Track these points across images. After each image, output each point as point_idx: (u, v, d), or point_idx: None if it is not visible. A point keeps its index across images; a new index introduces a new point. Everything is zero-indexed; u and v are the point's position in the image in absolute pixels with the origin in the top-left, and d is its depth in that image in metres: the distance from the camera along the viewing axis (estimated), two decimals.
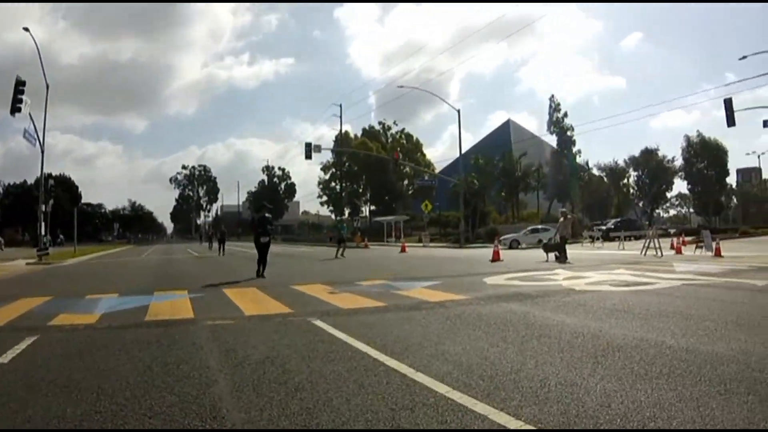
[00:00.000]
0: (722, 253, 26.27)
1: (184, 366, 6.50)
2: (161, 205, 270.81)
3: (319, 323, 9.37)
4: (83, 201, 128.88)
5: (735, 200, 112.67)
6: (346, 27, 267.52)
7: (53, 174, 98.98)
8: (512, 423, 4.45)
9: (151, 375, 6.15)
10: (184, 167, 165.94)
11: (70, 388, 5.68)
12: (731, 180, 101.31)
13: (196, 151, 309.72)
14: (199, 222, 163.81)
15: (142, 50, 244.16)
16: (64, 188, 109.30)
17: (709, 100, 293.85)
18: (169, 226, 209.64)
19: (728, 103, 41.74)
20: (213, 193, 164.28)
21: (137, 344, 7.93)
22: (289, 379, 5.83)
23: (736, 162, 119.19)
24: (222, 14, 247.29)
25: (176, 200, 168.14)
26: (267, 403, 5.04)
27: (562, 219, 28.11)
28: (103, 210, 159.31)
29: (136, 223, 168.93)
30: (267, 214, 21.40)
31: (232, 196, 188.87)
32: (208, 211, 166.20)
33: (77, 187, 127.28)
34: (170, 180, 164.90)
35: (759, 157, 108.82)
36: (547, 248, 27.59)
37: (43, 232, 38.32)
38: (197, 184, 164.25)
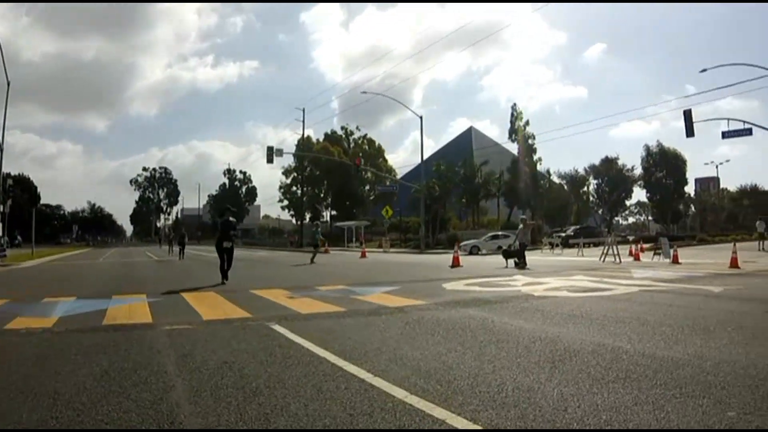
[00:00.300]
0: (680, 260, 26.71)
1: (141, 371, 6.44)
2: (121, 207, 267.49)
3: (277, 328, 9.35)
4: (42, 202, 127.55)
5: (693, 208, 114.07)
6: (311, 31, 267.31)
7: (12, 174, 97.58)
8: (470, 427, 4.49)
9: (108, 380, 6.09)
10: (144, 169, 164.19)
11: (26, 393, 5.61)
12: (689, 189, 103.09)
13: (158, 153, 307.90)
14: (159, 225, 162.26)
15: (105, 49, 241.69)
16: (22, 188, 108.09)
17: (669, 111, 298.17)
18: (129, 229, 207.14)
19: (687, 114, 42.38)
20: (173, 196, 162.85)
21: (94, 348, 7.84)
22: (246, 384, 5.81)
23: (694, 171, 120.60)
24: (187, 15, 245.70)
25: (136, 202, 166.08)
26: (224, 408, 5.03)
27: (521, 226, 28.31)
28: (62, 211, 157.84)
29: (95, 225, 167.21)
30: (231, 218, 20.21)
31: (193, 199, 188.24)
32: (169, 214, 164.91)
33: (36, 188, 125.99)
34: (130, 182, 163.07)
35: (717, 167, 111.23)
36: (507, 254, 27.80)
37: (0, 233, 37.77)
38: (158, 186, 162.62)
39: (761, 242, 44.00)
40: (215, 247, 19.93)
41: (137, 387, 5.78)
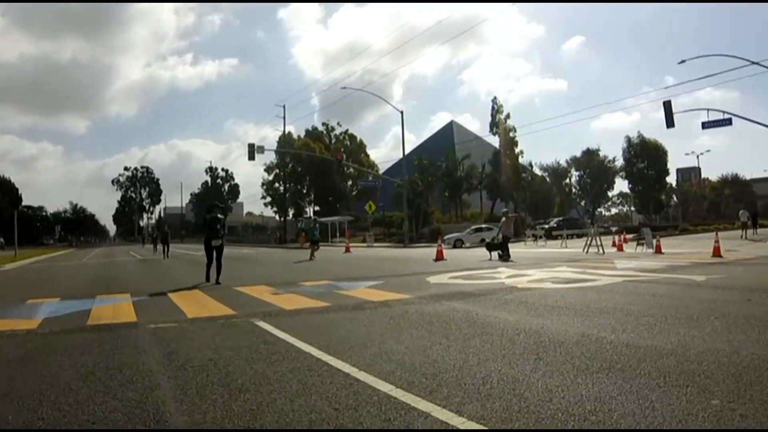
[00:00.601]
0: (662, 250, 26.86)
1: (126, 370, 6.43)
2: (103, 207, 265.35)
3: (262, 324, 9.35)
4: (24, 204, 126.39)
5: (675, 199, 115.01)
6: (289, 28, 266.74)
7: None
8: (455, 420, 4.49)
9: (93, 380, 6.07)
10: (126, 169, 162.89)
11: (11, 395, 5.59)
12: (671, 179, 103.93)
13: (138, 153, 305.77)
14: (141, 224, 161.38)
15: (84, 50, 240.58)
16: (3, 191, 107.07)
17: (649, 102, 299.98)
18: (112, 229, 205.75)
19: (667, 106, 42.60)
20: (156, 195, 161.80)
21: (79, 349, 7.81)
22: (232, 381, 5.81)
23: (675, 162, 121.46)
24: (165, 14, 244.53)
25: (118, 202, 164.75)
26: (210, 406, 5.02)
27: (504, 219, 28.38)
28: (44, 213, 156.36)
29: (78, 226, 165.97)
30: (219, 215, 18.98)
31: (175, 198, 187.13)
32: (151, 213, 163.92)
33: (17, 190, 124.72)
34: (112, 182, 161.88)
35: (698, 157, 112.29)
36: (490, 247, 27.90)
37: None
38: (140, 185, 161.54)
39: (744, 231, 44.63)
40: (203, 246, 18.56)
41: (123, 386, 5.76)
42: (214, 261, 17.96)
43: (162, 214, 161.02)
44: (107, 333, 9.07)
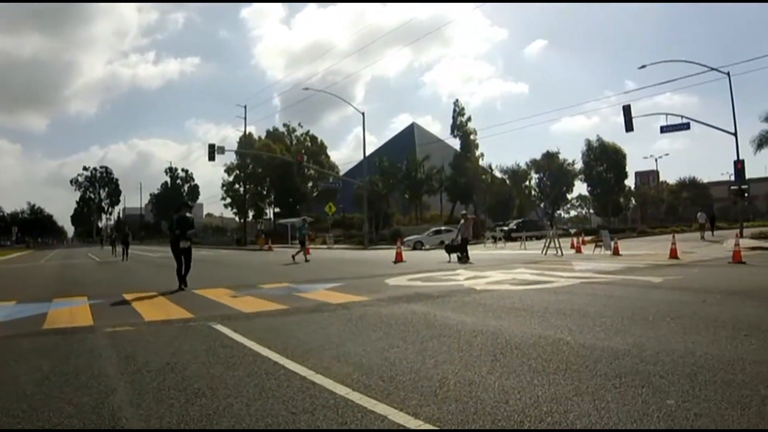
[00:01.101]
0: (620, 252, 27.17)
1: (82, 375, 6.35)
2: (62, 208, 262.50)
3: (220, 328, 9.29)
4: None
5: (633, 201, 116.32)
6: (251, 27, 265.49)
7: None
8: (411, 422, 4.51)
9: (49, 385, 5.99)
10: (85, 168, 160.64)
11: None
12: (630, 182, 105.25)
13: (99, 152, 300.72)
14: (100, 225, 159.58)
15: (44, 46, 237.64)
16: None
17: (609, 106, 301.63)
18: (70, 230, 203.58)
19: (627, 110, 43.31)
20: (115, 196, 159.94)
21: (35, 353, 7.72)
22: (189, 386, 5.76)
23: (634, 165, 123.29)
24: (126, 11, 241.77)
25: (77, 203, 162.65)
26: (167, 411, 4.98)
27: (462, 221, 28.47)
28: (1, 213, 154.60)
29: (35, 226, 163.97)
30: (188, 214, 17.50)
31: (135, 199, 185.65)
32: (110, 214, 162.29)
33: None
34: (71, 182, 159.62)
35: (656, 160, 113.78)
36: (449, 249, 28.00)
37: None
38: (99, 186, 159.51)
39: (703, 233, 45.56)
40: (171, 249, 17.16)
41: (79, 391, 5.69)
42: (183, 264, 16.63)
43: (121, 215, 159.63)
44: (63, 337, 8.95)
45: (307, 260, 30.59)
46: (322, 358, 6.84)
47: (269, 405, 5.05)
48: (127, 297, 14.34)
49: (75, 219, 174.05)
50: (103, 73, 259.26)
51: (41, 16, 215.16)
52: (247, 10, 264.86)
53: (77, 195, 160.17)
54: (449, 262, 25.65)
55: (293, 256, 31.33)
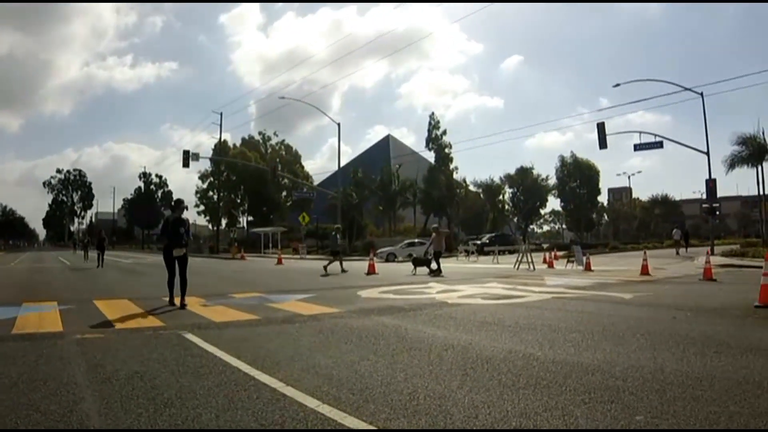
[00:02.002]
0: (592, 267, 27.19)
1: (51, 382, 6.28)
2: (34, 210, 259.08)
3: (190, 337, 9.23)
4: None
5: (606, 217, 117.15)
6: (229, 34, 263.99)
7: None
8: None
9: (17, 392, 5.92)
10: (58, 171, 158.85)
11: None
12: (602, 198, 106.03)
13: (72, 154, 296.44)
14: (72, 229, 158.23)
15: (20, 44, 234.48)
16: None
17: (583, 123, 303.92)
18: (42, 233, 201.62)
19: (601, 127, 43.83)
20: (88, 200, 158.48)
21: (2, 360, 7.62)
22: (158, 395, 5.72)
23: (607, 182, 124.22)
24: (105, 12, 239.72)
25: (49, 206, 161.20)
26: (135, 420, 4.94)
27: (434, 234, 28.51)
28: None
29: (6, 229, 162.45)
30: (184, 216, 14.73)
31: (108, 203, 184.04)
32: (83, 218, 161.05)
33: None
34: (44, 184, 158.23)
35: (629, 177, 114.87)
36: (416, 262, 28.03)
37: None
38: (72, 189, 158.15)
39: (677, 249, 46.47)
40: (163, 256, 14.54)
41: (47, 399, 5.63)
42: (178, 275, 14.14)
43: (93, 220, 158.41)
44: (32, 343, 8.84)
45: (343, 270, 28.85)
46: (293, 369, 6.81)
47: (238, 416, 5.03)
48: (97, 303, 14.22)
49: (47, 222, 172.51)
50: (79, 74, 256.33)
51: (18, 14, 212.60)
52: (225, 16, 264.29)
53: (50, 198, 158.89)
54: (414, 274, 25.84)
55: (325, 267, 29.38)
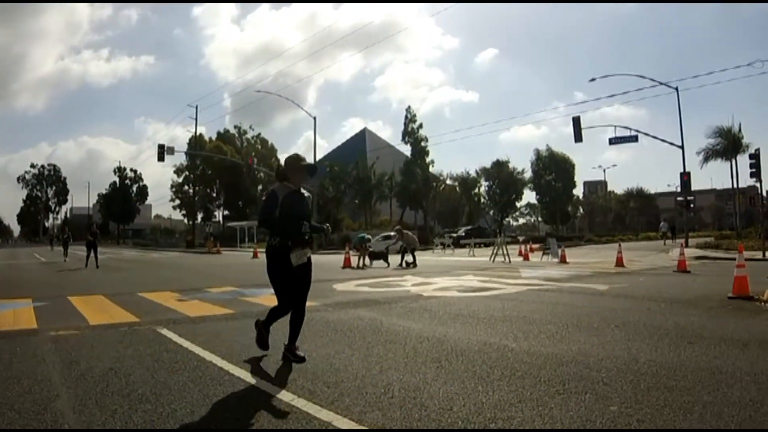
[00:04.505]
0: (567, 260, 27.40)
1: (25, 380, 6.23)
2: (7, 206, 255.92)
3: (165, 332, 9.19)
4: None
5: (581, 210, 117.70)
6: (203, 26, 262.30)
7: None
8: (355, 428, 4.54)
9: None
10: (32, 166, 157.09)
11: None
12: (578, 191, 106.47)
13: (47, 149, 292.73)
14: (47, 225, 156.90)
15: None
16: None
17: (558, 117, 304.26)
18: (16, 229, 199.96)
19: (576, 121, 44.09)
20: (62, 195, 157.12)
21: None
22: (132, 391, 5.70)
23: (583, 175, 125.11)
24: (79, 5, 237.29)
25: (24, 201, 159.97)
26: (110, 417, 4.92)
27: (395, 234, 28.87)
28: None
29: None
30: (305, 192, 7.97)
31: (83, 199, 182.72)
32: (57, 214, 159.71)
33: None
34: (18, 179, 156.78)
35: (605, 171, 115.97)
36: (372, 255, 28.09)
37: None
38: (46, 184, 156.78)
39: (664, 241, 47.90)
40: (270, 264, 7.86)
41: (21, 397, 5.59)
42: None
43: (68, 215, 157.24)
44: (5, 340, 8.73)
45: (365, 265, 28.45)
46: (267, 363, 6.84)
47: (213, 411, 5.05)
48: (72, 299, 14.09)
49: (21, 218, 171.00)
50: (53, 67, 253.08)
51: None
52: (198, 8, 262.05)
53: (24, 193, 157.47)
54: (362, 268, 26.31)
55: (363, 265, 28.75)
